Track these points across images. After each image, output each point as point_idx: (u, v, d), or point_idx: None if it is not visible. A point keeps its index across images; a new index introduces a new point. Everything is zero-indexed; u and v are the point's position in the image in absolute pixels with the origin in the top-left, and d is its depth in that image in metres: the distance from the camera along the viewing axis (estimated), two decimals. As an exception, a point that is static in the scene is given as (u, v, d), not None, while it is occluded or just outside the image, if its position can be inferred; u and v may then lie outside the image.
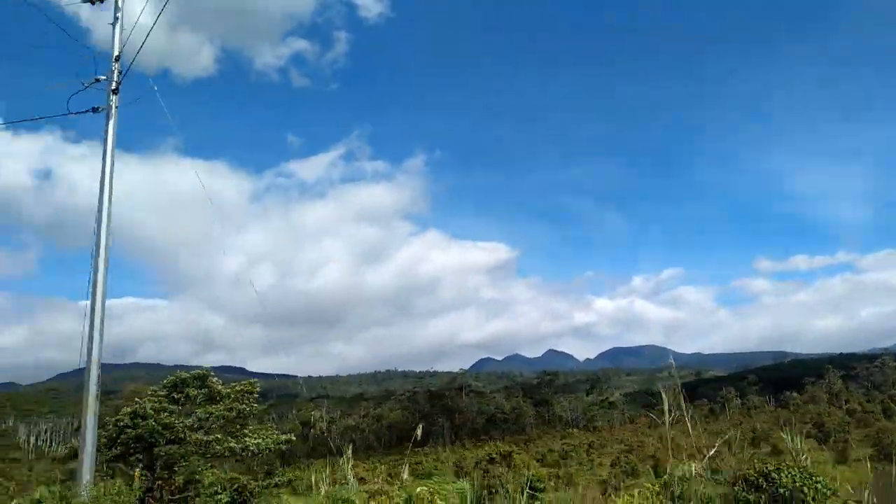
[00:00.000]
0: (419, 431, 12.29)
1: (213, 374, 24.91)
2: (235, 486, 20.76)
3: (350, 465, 11.24)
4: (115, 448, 21.30)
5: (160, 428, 20.51)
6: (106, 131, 12.00)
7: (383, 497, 13.08)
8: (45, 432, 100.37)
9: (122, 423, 21.65)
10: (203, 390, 24.08)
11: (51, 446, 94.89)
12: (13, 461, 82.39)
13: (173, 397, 23.76)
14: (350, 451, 11.15)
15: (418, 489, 12.13)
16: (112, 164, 11.85)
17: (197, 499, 18.76)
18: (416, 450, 71.23)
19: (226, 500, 19.86)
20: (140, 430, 20.33)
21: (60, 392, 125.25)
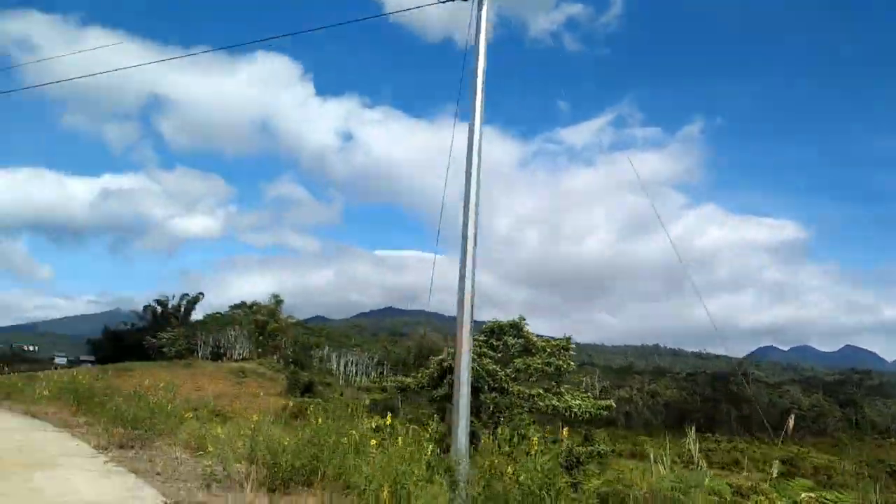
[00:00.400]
0: (791, 423, 8.83)
1: (527, 322, 23.49)
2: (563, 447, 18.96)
3: (696, 446, 7.79)
4: (439, 388, 21.11)
5: (484, 374, 19.59)
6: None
7: (762, 499, 9.33)
8: (352, 363, 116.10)
9: (446, 364, 21.30)
10: (520, 340, 22.78)
11: (356, 375, 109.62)
12: (327, 385, 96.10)
13: (491, 344, 22.89)
14: (693, 431, 7.79)
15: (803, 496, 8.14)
16: (482, 93, 9.29)
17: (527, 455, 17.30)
18: (706, 435, 64.91)
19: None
20: (466, 374, 19.70)
21: (363, 328, 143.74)
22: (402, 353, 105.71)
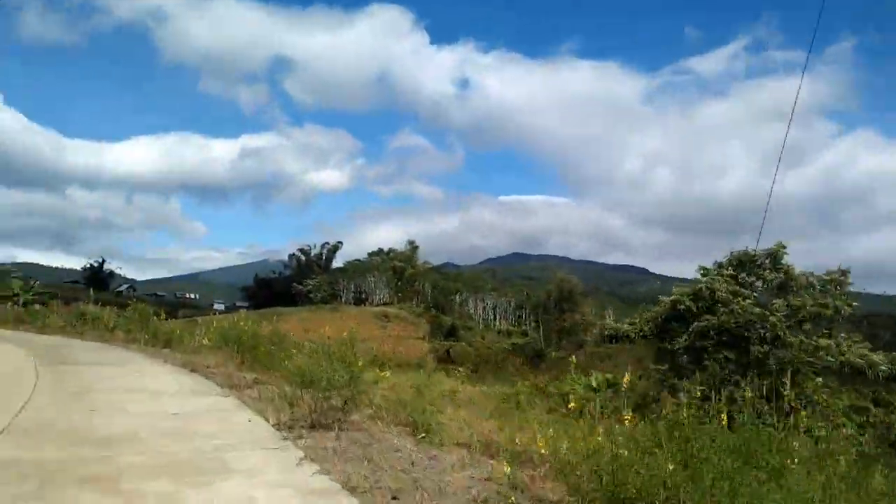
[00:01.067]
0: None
1: (786, 251, 17.42)
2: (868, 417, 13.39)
3: None
4: (677, 338, 15.94)
5: (754, 318, 14.23)
6: None
7: None
8: (489, 308, 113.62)
9: (682, 307, 16.02)
10: (779, 275, 16.93)
11: (494, 320, 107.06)
12: (468, 329, 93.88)
13: (741, 279, 17.22)
14: None
15: None
16: None
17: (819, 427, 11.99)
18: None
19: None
20: (723, 319, 14.34)
21: (495, 272, 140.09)
22: (541, 297, 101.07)
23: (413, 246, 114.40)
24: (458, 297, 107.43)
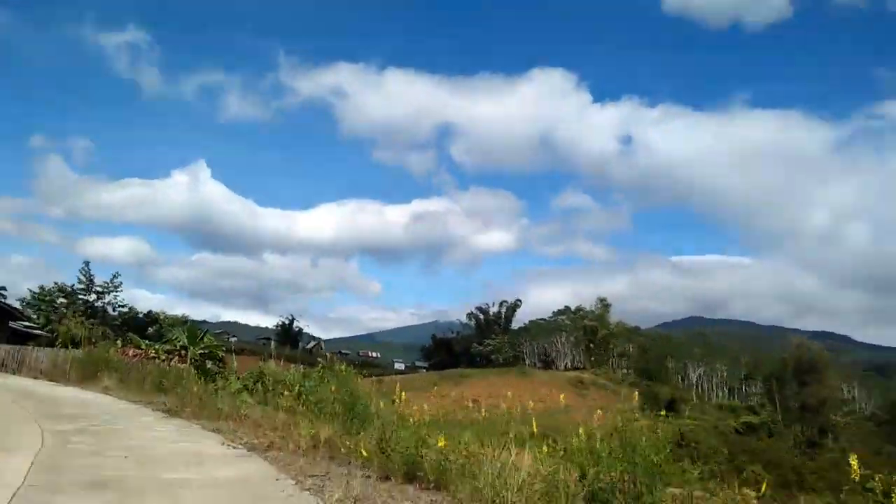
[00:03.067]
0: None
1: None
2: None
3: None
4: None
5: None
6: None
7: None
8: (702, 376, 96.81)
9: None
10: None
11: (712, 390, 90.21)
12: (687, 401, 78.66)
13: None
14: None
15: None
16: None
17: None
18: None
19: None
20: None
21: (705, 336, 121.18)
22: (774, 367, 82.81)
23: (604, 304, 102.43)
24: (669, 362, 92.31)
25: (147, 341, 24.14)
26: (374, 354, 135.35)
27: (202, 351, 22.62)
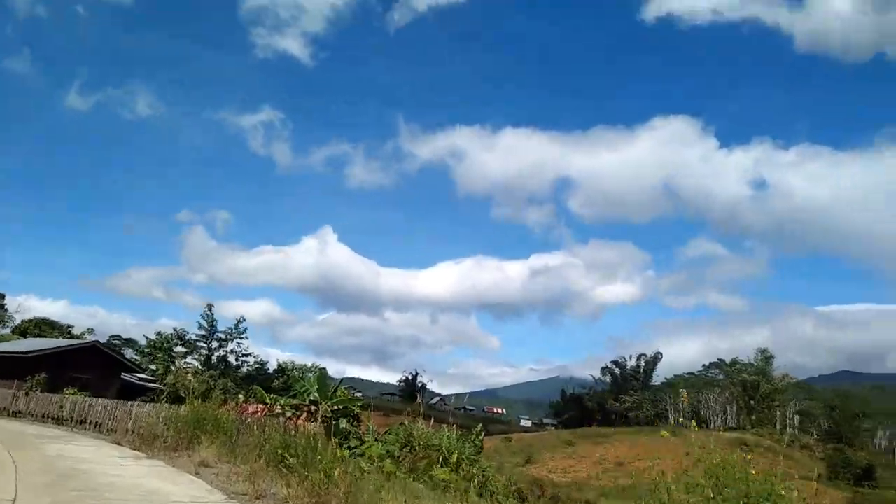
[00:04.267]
0: None
1: None
2: None
3: None
4: None
5: None
6: None
7: None
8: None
9: None
10: None
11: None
12: (885, 467, 64.38)
13: None
14: None
15: None
16: None
17: None
18: None
19: None
20: None
21: (884, 389, 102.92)
22: None
23: (766, 356, 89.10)
24: (860, 422, 77.23)
25: (272, 395, 19.62)
26: (500, 411, 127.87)
27: (335, 406, 17.56)
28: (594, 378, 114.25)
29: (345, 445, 17.60)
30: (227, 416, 12.98)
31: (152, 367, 35.34)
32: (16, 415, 24.54)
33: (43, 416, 23.27)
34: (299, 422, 16.67)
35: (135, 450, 12.61)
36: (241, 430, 12.50)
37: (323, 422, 17.49)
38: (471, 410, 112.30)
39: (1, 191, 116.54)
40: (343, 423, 18.09)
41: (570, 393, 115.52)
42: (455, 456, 15.79)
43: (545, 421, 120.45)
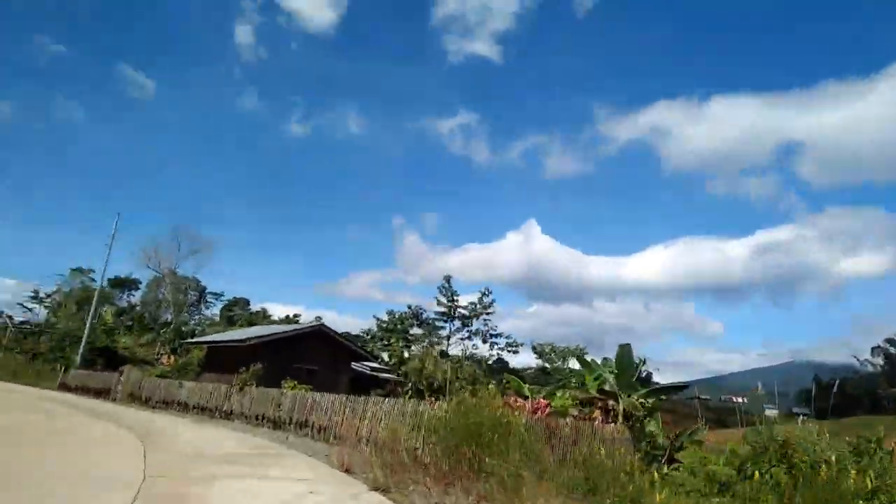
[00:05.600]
0: None
1: None
2: None
3: None
4: None
5: None
6: None
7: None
8: None
9: None
10: None
11: None
12: None
13: None
14: None
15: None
16: None
17: None
18: None
19: None
20: None
21: None
22: None
23: None
24: None
25: (531, 386, 14.47)
26: (740, 400, 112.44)
27: (642, 400, 11.75)
28: (859, 361, 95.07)
29: (656, 459, 11.73)
30: (517, 422, 7.91)
31: (384, 354, 31.53)
32: (228, 415, 21.92)
33: (258, 418, 20.65)
34: (596, 423, 11.17)
35: (375, 488, 7.74)
36: (549, 443, 7.26)
37: (626, 421, 11.81)
38: (706, 400, 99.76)
39: (245, 214, 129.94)
40: (651, 426, 12.24)
41: (831, 378, 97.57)
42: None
43: (795, 411, 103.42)
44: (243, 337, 27.46)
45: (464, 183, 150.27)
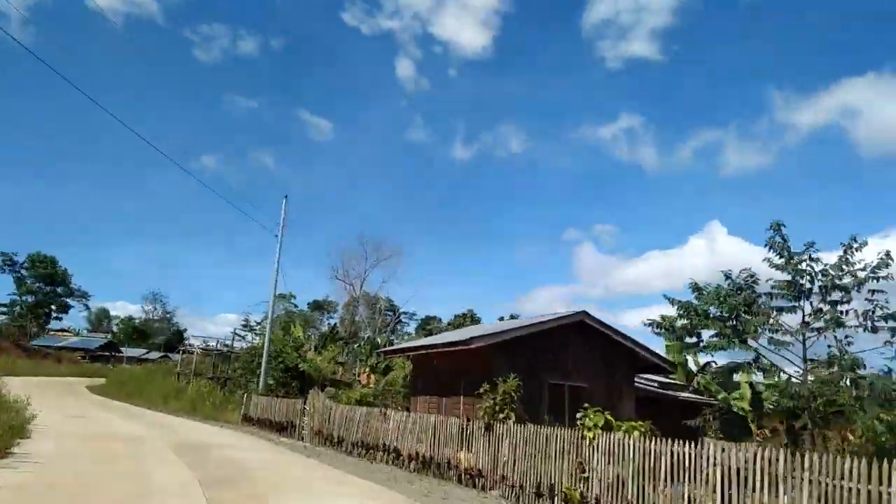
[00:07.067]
0: None
1: None
2: None
3: None
4: None
5: None
6: None
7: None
8: None
9: None
10: None
11: None
12: None
13: None
14: None
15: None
16: None
17: None
18: None
19: None
20: None
21: None
22: None
23: None
24: None
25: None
26: None
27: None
28: None
29: None
30: None
31: (670, 357, 17.71)
32: (472, 478, 12.06)
33: (536, 490, 10.38)
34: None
35: None
36: None
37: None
38: None
39: (421, 239, 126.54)
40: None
41: None
42: None
43: None
44: (464, 337, 17.23)
45: (635, 189, 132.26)
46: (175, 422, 22.73)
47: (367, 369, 32.19)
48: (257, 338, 51.77)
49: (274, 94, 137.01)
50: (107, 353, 76.32)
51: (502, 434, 11.72)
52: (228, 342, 44.11)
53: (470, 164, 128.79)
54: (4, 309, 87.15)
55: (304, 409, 20.41)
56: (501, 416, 11.78)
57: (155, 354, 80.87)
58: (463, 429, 12.62)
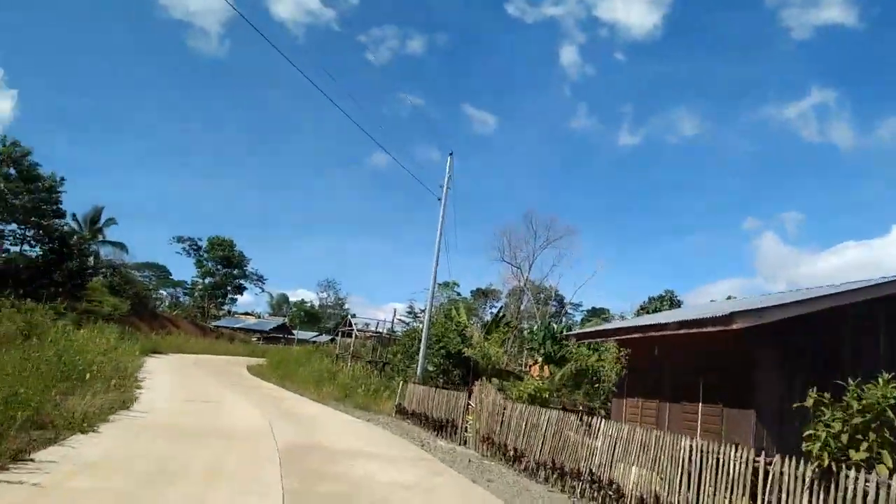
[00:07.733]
0: None
1: None
2: None
3: None
4: None
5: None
6: None
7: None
8: None
9: None
10: None
11: None
12: None
13: None
14: None
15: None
16: None
17: None
18: None
19: None
20: None
21: None
22: None
23: None
24: None
25: None
26: None
27: None
28: None
29: None
30: None
31: None
32: None
33: None
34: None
35: None
36: None
37: None
38: None
39: (584, 229, 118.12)
40: None
41: None
42: None
43: None
44: (720, 313, 10.85)
45: (826, 173, 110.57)
46: (315, 412, 19.24)
47: (541, 359, 27.04)
48: (420, 325, 49.29)
49: (439, 90, 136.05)
50: (280, 335, 79.20)
51: (859, 491, 5.80)
52: (390, 326, 41.68)
53: (638, 150, 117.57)
54: (187, 290, 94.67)
55: (469, 405, 15.67)
56: (858, 452, 5.88)
57: (324, 338, 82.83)
58: (759, 469, 6.82)
